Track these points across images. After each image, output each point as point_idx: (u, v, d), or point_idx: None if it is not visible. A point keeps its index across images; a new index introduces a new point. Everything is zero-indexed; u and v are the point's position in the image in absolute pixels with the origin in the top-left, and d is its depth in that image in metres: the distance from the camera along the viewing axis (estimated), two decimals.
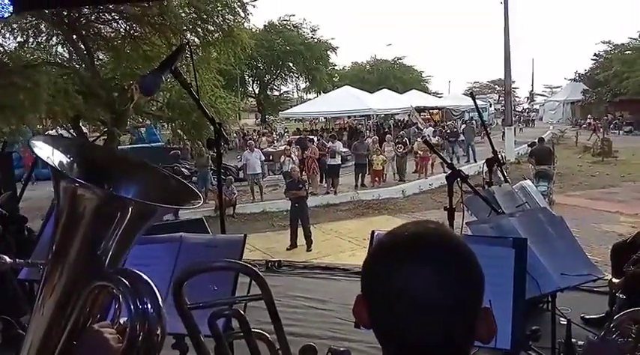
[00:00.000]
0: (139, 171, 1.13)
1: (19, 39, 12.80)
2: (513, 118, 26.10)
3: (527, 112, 44.22)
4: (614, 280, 3.35)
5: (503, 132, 22.44)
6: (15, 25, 12.36)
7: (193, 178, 15.38)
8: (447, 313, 0.78)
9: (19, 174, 6.33)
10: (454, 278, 0.79)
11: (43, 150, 1.01)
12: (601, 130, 25.67)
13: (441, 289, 0.77)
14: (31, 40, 13.07)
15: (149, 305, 0.87)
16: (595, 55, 37.87)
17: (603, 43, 36.50)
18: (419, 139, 17.75)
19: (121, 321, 0.97)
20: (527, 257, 2.38)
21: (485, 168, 4.18)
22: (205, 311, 1.42)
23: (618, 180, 16.16)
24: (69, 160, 1.04)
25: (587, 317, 3.78)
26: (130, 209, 0.98)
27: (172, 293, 1.25)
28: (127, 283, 0.90)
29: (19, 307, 3.69)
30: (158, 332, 0.88)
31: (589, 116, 32.83)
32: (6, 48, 12.51)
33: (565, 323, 3.21)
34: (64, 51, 13.81)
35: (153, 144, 21.73)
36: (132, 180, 1.09)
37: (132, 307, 0.87)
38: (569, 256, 2.96)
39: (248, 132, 28.94)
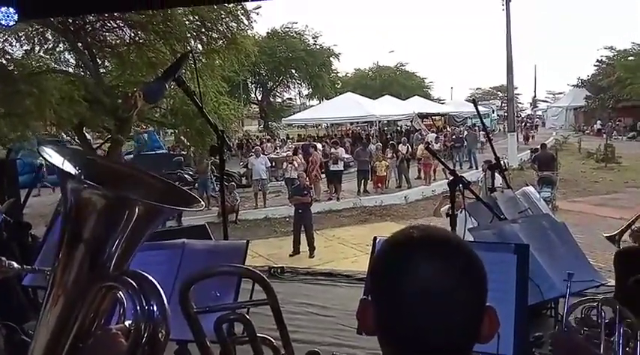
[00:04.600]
0: (138, 178, 1.16)
1: (25, 47, 12.93)
2: (516, 124, 26.09)
3: (531, 118, 44.19)
4: None
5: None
6: (21, 33, 12.47)
7: (196, 185, 15.42)
8: (459, 306, 0.80)
9: (24, 181, 6.34)
10: (463, 272, 0.81)
11: (52, 156, 1.04)
12: (604, 136, 25.66)
13: (453, 282, 0.80)
14: (37, 47, 13.18)
15: (154, 306, 0.89)
16: (598, 61, 37.89)
17: (606, 48, 36.54)
18: (421, 145, 17.76)
19: (126, 324, 0.99)
20: (529, 263, 2.38)
21: (483, 175, 4.19)
22: (208, 316, 1.43)
23: (622, 186, 16.11)
24: (73, 168, 1.07)
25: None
26: (136, 209, 1.00)
27: (179, 298, 1.27)
28: (133, 283, 0.92)
29: (22, 313, 3.69)
30: (162, 332, 0.89)
31: (599, 121, 32.77)
32: (12, 56, 12.61)
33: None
34: (70, 58, 13.92)
35: (157, 152, 21.76)
36: (132, 187, 1.12)
37: (137, 307, 0.89)
38: (571, 262, 2.95)
39: (251, 138, 28.99)
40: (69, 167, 1.05)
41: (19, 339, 3.46)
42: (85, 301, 1.00)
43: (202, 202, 1.18)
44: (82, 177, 1.04)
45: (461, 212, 2.99)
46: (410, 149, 18.00)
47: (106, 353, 0.98)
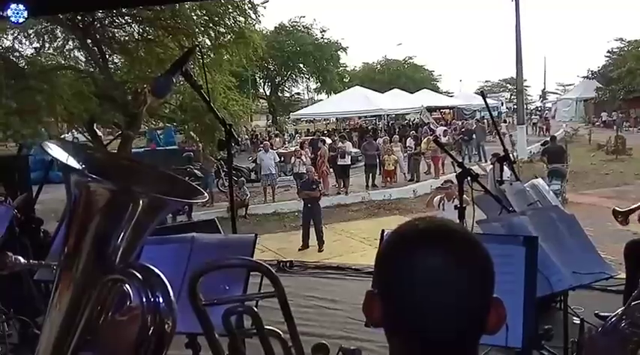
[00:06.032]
0: (141, 171, 1.16)
1: (35, 44, 13.03)
2: (525, 117, 25.90)
3: (540, 110, 43.84)
4: None
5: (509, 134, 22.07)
6: (31, 31, 12.57)
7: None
8: (464, 297, 0.80)
9: (35, 177, 6.39)
10: (468, 262, 0.81)
11: (56, 151, 1.04)
12: (614, 128, 25.39)
13: (458, 273, 0.80)
14: (47, 45, 13.27)
15: (160, 298, 0.89)
16: (608, 51, 37.55)
17: (616, 39, 36.17)
18: (425, 139, 17.68)
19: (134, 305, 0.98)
20: (538, 255, 2.37)
21: (491, 167, 4.18)
22: (218, 309, 1.44)
23: (632, 178, 15.94)
24: (78, 162, 1.07)
25: (602, 314, 3.75)
26: (140, 202, 1.00)
27: (187, 290, 1.27)
28: (139, 276, 0.92)
29: (34, 307, 3.75)
30: (169, 323, 0.90)
31: (604, 113, 32.46)
32: (23, 53, 12.72)
33: (578, 322, 3.20)
34: (80, 55, 14.01)
35: (169, 147, 21.88)
36: (135, 180, 1.12)
37: (144, 300, 0.89)
38: (581, 254, 2.94)
39: (260, 133, 29.05)
40: (72, 161, 1.05)
41: (32, 333, 3.52)
42: (91, 294, 1.00)
43: (206, 194, 1.18)
44: (86, 171, 1.04)
45: (452, 202, 2.99)
46: (419, 142, 17.95)
47: (114, 345, 0.99)
